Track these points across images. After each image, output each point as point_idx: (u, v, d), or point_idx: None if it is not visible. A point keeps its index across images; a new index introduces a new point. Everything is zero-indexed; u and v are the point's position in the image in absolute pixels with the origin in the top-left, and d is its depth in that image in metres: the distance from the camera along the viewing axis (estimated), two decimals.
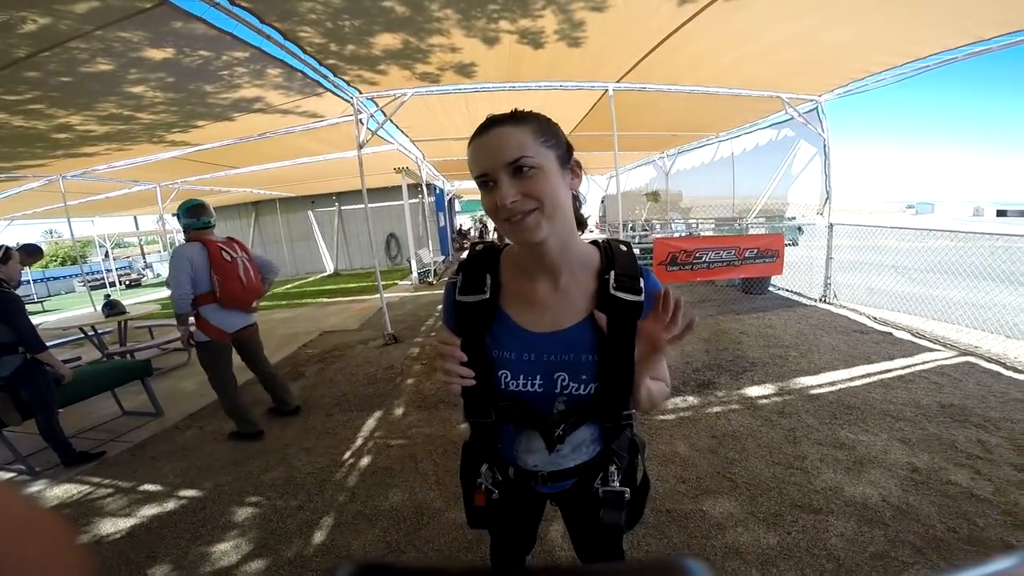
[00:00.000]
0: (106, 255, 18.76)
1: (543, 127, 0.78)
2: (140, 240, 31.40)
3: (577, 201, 0.86)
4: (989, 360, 4.02)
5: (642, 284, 0.84)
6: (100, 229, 17.66)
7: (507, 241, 0.87)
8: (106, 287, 16.69)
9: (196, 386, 4.82)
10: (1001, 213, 67.99)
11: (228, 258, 3.22)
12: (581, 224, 0.89)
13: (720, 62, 4.83)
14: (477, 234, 15.90)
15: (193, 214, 3.19)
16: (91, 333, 5.31)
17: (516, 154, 0.74)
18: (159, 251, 34.28)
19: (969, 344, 4.44)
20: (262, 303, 3.82)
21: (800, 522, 2.14)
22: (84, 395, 3.50)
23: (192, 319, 3.22)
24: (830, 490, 2.35)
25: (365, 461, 2.98)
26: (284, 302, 10.26)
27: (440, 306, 0.94)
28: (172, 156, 6.70)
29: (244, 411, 3.47)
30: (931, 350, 4.36)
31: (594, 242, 0.91)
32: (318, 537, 2.29)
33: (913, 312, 5.44)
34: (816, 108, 6.34)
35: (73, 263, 27.96)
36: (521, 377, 0.84)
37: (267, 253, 3.67)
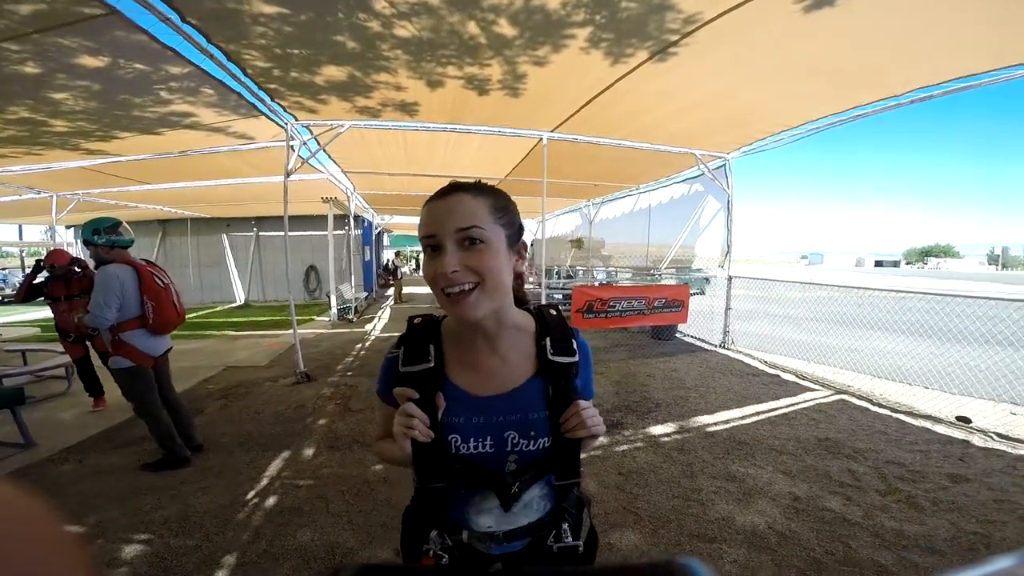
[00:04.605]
0: None
1: (501, 204, 0.80)
2: (22, 252, 27.42)
3: (520, 280, 0.90)
4: (859, 397, 4.66)
5: (575, 345, 0.92)
6: None
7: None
8: None
9: (74, 417, 4.34)
10: (878, 264, 78.62)
11: (161, 284, 3.13)
12: (521, 302, 0.92)
13: (645, 119, 5.31)
14: (388, 274, 15.42)
15: (114, 232, 3.05)
16: None
17: (468, 223, 0.74)
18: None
19: (843, 384, 5.11)
20: None
21: (697, 551, 2.31)
22: None
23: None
24: (723, 520, 2.58)
25: (271, 501, 2.81)
26: (187, 333, 9.01)
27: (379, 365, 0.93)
28: (77, 165, 6.13)
29: (176, 436, 3.29)
30: (812, 390, 4.96)
31: (526, 308, 0.96)
32: (220, 575, 2.14)
33: (798, 356, 6.14)
34: (724, 165, 7.10)
35: None
36: (472, 440, 0.84)
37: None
